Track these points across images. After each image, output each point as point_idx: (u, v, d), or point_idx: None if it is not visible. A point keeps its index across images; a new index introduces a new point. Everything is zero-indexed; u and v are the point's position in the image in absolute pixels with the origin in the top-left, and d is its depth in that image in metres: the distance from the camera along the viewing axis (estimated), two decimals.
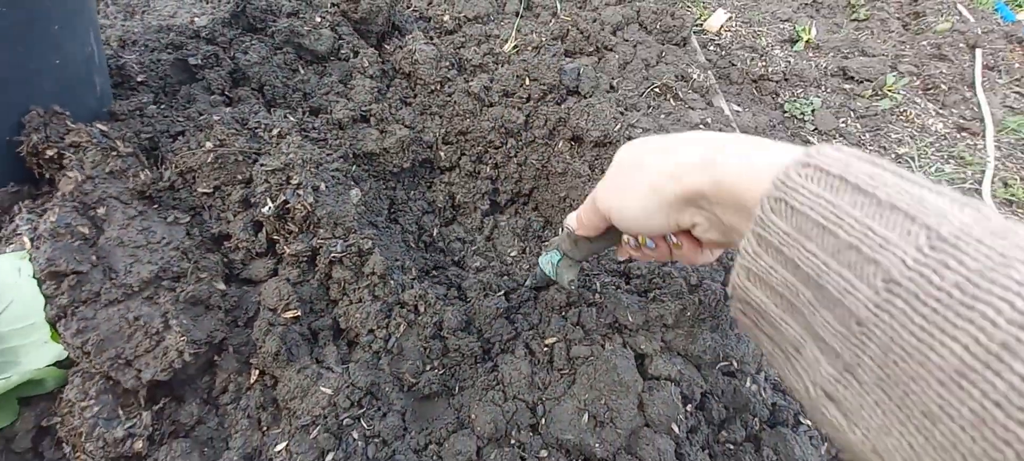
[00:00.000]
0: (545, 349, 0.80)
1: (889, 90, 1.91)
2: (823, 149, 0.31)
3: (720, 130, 1.29)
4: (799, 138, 1.75)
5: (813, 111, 1.81)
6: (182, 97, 0.99)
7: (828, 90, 1.93)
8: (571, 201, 1.21)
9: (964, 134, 1.85)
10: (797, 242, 0.29)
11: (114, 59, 1.01)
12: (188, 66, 1.02)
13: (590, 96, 1.28)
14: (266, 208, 0.76)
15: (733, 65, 1.96)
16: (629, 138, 1.16)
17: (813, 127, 1.77)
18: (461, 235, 1.17)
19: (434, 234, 1.14)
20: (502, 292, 0.92)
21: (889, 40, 2.17)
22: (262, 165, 0.78)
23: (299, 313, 0.75)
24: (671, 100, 1.36)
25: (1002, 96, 2.05)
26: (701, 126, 1.24)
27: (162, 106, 0.95)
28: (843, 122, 1.81)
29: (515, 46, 1.32)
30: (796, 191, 0.30)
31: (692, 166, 0.40)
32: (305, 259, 0.79)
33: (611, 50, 1.46)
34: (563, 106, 1.24)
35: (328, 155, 0.91)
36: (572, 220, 0.72)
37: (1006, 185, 1.63)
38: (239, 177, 0.83)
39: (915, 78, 2.03)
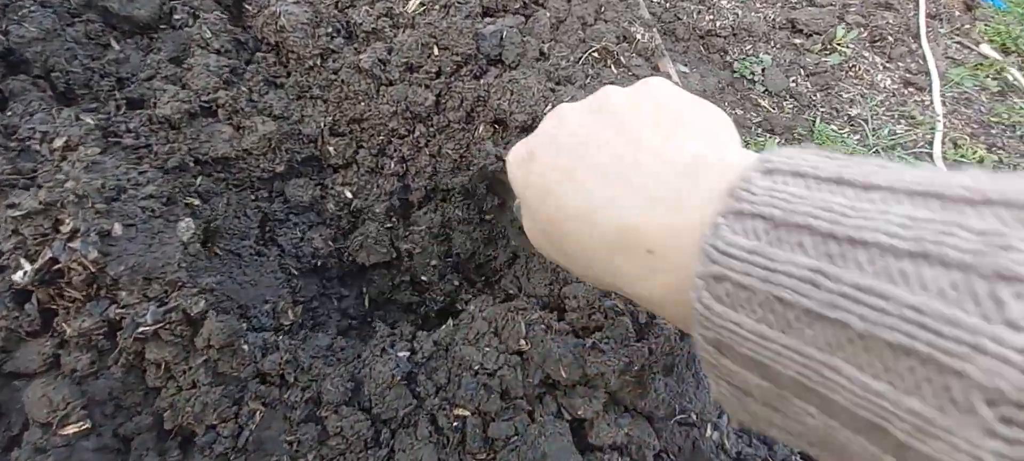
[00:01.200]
0: (455, 424, 0.61)
1: (838, 44, 1.79)
2: (752, 181, 0.20)
3: None
4: (749, 101, 1.61)
5: (763, 70, 1.67)
6: None
7: (777, 45, 1.79)
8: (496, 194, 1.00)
9: (911, 89, 1.78)
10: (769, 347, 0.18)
11: None
12: None
13: (515, 66, 1.05)
14: (19, 274, 0.51)
15: (679, 18, 1.77)
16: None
17: (763, 88, 1.64)
18: (364, 249, 0.95)
19: (326, 253, 0.91)
20: (404, 341, 0.71)
21: None
22: (9, 208, 0.52)
23: (88, 425, 0.51)
24: (612, 67, 1.15)
25: (944, 46, 2.00)
26: None
27: None
28: (793, 81, 1.69)
29: (421, 3, 1.06)
30: (735, 273, 0.19)
31: (597, 269, 0.31)
32: (101, 336, 0.55)
33: (541, 6, 1.23)
34: (482, 81, 1.01)
35: (141, 173, 0.65)
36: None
37: (956, 145, 1.57)
38: None
39: (863, 30, 1.93)
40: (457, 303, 0.96)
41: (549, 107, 0.94)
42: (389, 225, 0.98)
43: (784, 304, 0.17)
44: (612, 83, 1.10)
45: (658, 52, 1.30)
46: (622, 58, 1.17)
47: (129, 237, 0.57)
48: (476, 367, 0.64)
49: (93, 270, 0.52)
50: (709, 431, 0.67)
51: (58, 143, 0.63)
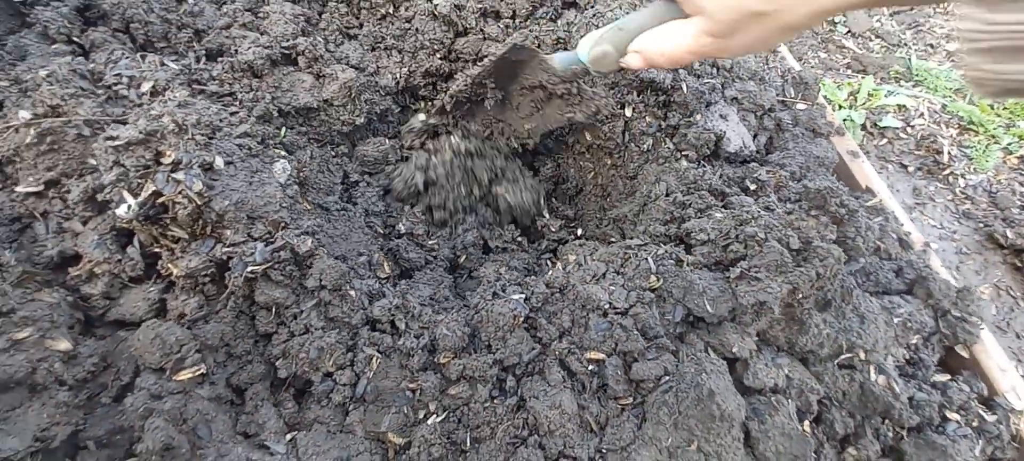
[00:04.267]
0: (590, 368, 0.54)
1: None
2: None
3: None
4: (832, 43, 1.48)
5: None
6: (10, 52, 0.66)
7: None
8: (580, 150, 0.93)
9: None
10: None
11: None
12: (13, 5, 0.68)
13: (592, 6, 0.98)
14: (123, 208, 0.47)
15: None
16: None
17: (846, 29, 1.50)
18: (443, 211, 0.89)
19: (408, 213, 0.85)
20: (515, 282, 0.65)
21: None
22: (108, 139, 0.48)
23: (203, 369, 0.47)
24: None
25: None
26: None
27: None
28: (877, 20, 1.55)
29: None
30: None
31: None
32: (208, 278, 0.50)
33: None
34: (560, 23, 0.94)
35: (233, 114, 0.60)
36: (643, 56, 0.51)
37: None
38: (87, 162, 0.52)
39: None
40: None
41: None
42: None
43: None
44: None
45: None
46: None
47: (230, 173, 0.52)
48: (605, 307, 0.57)
49: (198, 204, 0.48)
50: (873, 374, 0.58)
51: (145, 87, 0.60)
